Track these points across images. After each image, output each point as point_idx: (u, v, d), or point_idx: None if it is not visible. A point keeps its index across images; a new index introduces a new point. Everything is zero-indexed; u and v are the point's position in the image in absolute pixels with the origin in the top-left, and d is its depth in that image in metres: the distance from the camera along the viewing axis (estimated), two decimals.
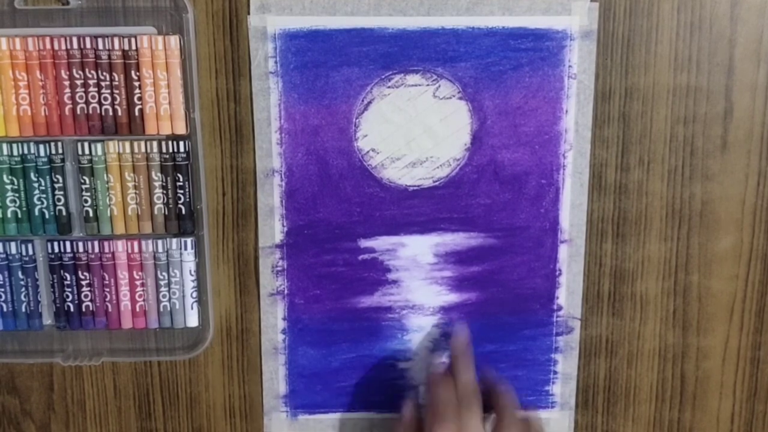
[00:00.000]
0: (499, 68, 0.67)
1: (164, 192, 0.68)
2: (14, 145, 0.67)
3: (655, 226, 0.70)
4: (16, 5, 0.65)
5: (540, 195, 0.69)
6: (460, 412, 0.61)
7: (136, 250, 0.69)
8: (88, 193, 0.68)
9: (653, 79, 0.67)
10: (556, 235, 0.70)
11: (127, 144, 0.67)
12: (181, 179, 0.67)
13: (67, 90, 0.66)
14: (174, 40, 0.65)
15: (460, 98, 0.67)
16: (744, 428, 0.75)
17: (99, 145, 0.67)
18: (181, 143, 0.67)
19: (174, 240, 0.69)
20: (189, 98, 0.66)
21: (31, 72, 0.65)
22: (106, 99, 0.66)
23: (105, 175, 0.67)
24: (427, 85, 0.67)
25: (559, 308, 0.71)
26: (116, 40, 0.65)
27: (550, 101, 0.67)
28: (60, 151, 0.67)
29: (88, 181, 0.67)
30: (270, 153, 0.68)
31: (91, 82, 0.65)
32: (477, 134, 0.68)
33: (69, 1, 0.65)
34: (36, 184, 0.67)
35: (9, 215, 0.68)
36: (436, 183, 0.69)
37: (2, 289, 0.69)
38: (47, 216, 0.68)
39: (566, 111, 0.68)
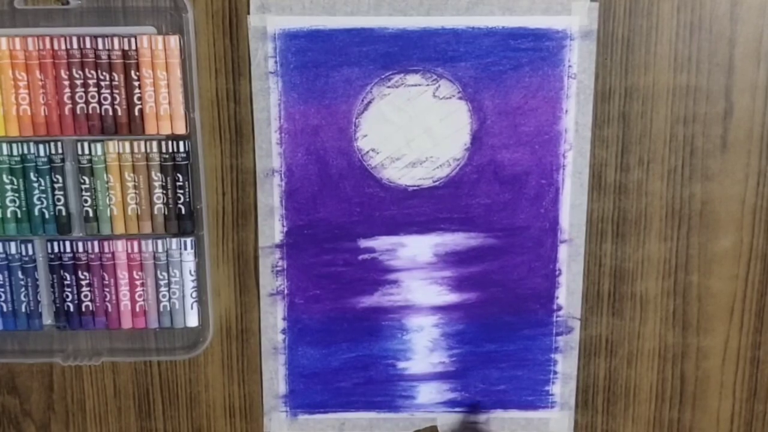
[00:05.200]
0: (499, 68, 0.67)
1: (164, 192, 0.68)
2: (14, 145, 0.67)
3: (655, 226, 0.70)
4: (16, 5, 0.65)
5: (540, 195, 0.69)
6: None
7: (135, 250, 0.69)
8: (88, 193, 0.68)
9: (653, 79, 0.67)
10: (556, 235, 0.70)
11: (127, 144, 0.67)
12: (180, 179, 0.67)
13: (67, 90, 0.66)
14: (174, 40, 0.65)
15: (460, 98, 0.67)
16: (744, 428, 0.75)
17: (99, 145, 0.67)
18: (181, 143, 0.67)
19: (174, 240, 0.69)
20: (189, 98, 0.66)
21: (31, 72, 0.65)
22: (105, 99, 0.66)
23: (105, 175, 0.67)
24: (427, 85, 0.67)
25: (559, 308, 0.71)
26: (116, 40, 0.65)
27: (550, 101, 0.67)
28: (60, 151, 0.67)
29: (87, 181, 0.67)
30: (270, 153, 0.68)
31: (90, 82, 0.65)
32: (477, 134, 0.68)
33: (69, 1, 0.65)
34: (36, 184, 0.67)
35: (9, 215, 0.68)
36: (436, 183, 0.69)
37: (2, 289, 0.69)
38: (47, 216, 0.68)
39: (566, 111, 0.68)
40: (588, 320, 0.72)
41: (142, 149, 0.67)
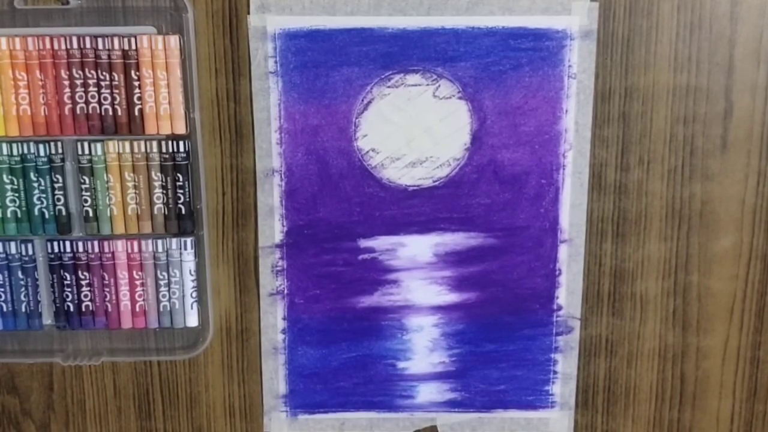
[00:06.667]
0: (499, 68, 0.67)
1: (164, 192, 0.68)
2: (14, 145, 0.67)
3: (655, 226, 0.70)
4: (16, 5, 0.65)
5: (540, 195, 0.69)
6: None
7: (135, 249, 0.69)
8: (88, 193, 0.68)
9: (653, 79, 0.67)
10: (556, 234, 0.70)
11: (127, 144, 0.67)
12: (180, 179, 0.67)
13: (67, 90, 0.66)
14: (174, 40, 0.65)
15: (460, 98, 0.67)
16: (744, 428, 0.75)
17: (99, 145, 0.67)
18: (181, 143, 0.67)
19: (174, 240, 0.69)
20: (189, 98, 0.66)
21: (31, 72, 0.65)
22: (105, 99, 0.66)
23: (105, 175, 0.67)
24: (427, 84, 0.67)
25: (559, 308, 0.71)
26: (116, 40, 0.65)
27: (550, 101, 0.67)
28: (60, 150, 0.67)
29: (87, 181, 0.67)
30: (270, 153, 0.68)
31: (90, 81, 0.65)
32: (477, 134, 0.68)
33: (69, 0, 0.65)
34: (36, 184, 0.67)
35: (9, 215, 0.68)
36: (436, 183, 0.69)
37: (2, 289, 0.69)
38: (47, 216, 0.68)
39: (566, 111, 0.68)
40: (588, 320, 0.72)
41: (142, 149, 0.67)
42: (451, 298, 0.72)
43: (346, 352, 0.72)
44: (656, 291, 0.71)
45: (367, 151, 0.68)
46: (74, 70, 0.65)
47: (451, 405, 0.74)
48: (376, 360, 0.73)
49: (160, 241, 0.69)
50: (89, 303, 0.70)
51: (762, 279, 0.71)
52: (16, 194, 0.68)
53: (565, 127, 0.68)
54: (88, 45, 0.65)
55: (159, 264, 0.69)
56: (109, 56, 0.65)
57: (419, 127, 0.68)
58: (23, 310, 0.70)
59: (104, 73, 0.65)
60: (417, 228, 0.70)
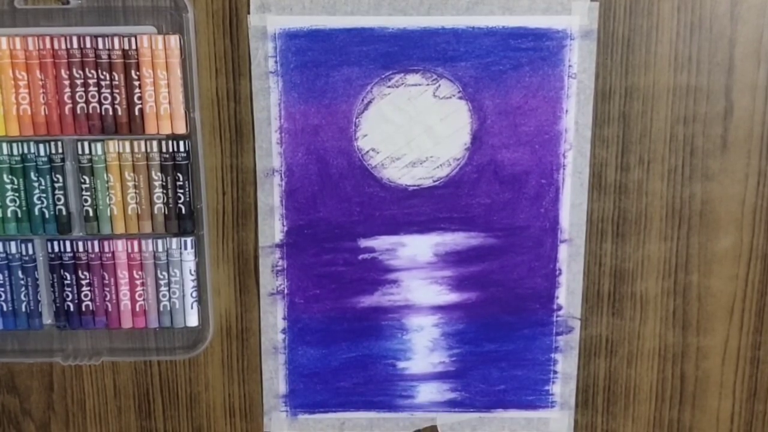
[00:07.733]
0: (499, 68, 0.67)
1: (164, 191, 0.68)
2: (14, 145, 0.67)
3: (655, 225, 0.70)
4: (16, 5, 0.65)
5: (540, 195, 0.69)
6: None
7: (136, 249, 0.69)
8: (88, 193, 0.68)
9: (653, 79, 0.67)
10: (556, 234, 0.70)
11: (127, 143, 0.67)
12: (181, 179, 0.67)
13: (67, 89, 0.66)
14: (174, 40, 0.65)
15: (460, 98, 0.67)
16: (744, 428, 0.75)
17: (99, 145, 0.67)
18: (181, 143, 0.67)
19: (174, 239, 0.69)
20: (189, 98, 0.66)
21: (31, 71, 0.65)
22: (106, 98, 0.66)
23: (105, 175, 0.67)
24: (427, 84, 0.67)
25: (559, 308, 0.71)
26: (116, 40, 0.65)
27: (550, 101, 0.67)
28: (60, 150, 0.67)
29: (88, 181, 0.67)
30: (270, 152, 0.68)
31: (91, 81, 0.65)
32: (477, 134, 0.68)
33: (69, 0, 0.65)
34: (36, 184, 0.67)
35: (9, 215, 0.68)
36: (436, 183, 0.69)
37: (2, 289, 0.69)
38: (47, 215, 0.68)
39: (566, 111, 0.68)
40: (588, 320, 0.72)
41: (142, 149, 0.67)
42: (451, 298, 0.72)
43: (346, 352, 0.72)
44: (656, 291, 0.71)
45: (367, 151, 0.68)
46: (74, 70, 0.65)
47: (451, 405, 0.74)
48: (376, 360, 0.73)
49: (160, 241, 0.69)
50: (89, 303, 0.70)
51: (762, 279, 0.71)
52: (17, 194, 0.68)
53: (565, 126, 0.68)
54: (88, 45, 0.65)
55: (159, 264, 0.69)
56: (109, 56, 0.65)
57: (419, 127, 0.68)
58: (23, 309, 0.70)
59: (104, 72, 0.65)
60: (417, 228, 0.70)
